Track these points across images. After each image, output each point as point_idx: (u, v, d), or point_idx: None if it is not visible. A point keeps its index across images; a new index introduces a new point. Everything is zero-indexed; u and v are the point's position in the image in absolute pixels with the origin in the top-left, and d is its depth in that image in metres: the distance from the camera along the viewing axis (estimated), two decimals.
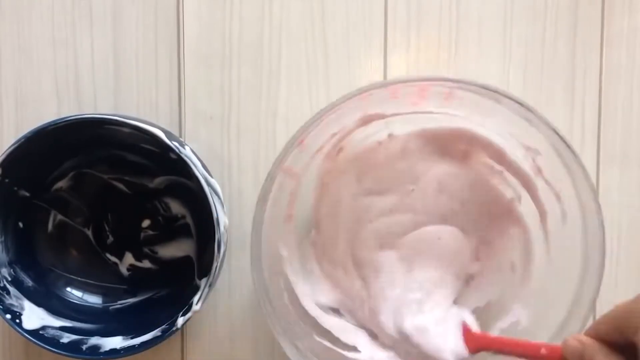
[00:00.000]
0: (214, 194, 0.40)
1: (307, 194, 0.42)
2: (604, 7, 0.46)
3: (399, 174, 0.42)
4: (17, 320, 0.41)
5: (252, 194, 0.46)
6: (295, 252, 0.42)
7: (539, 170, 0.38)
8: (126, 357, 0.41)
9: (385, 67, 0.47)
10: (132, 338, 0.41)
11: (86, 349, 0.41)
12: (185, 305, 0.40)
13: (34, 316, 0.42)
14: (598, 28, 0.47)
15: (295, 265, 0.42)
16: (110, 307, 0.46)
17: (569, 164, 0.35)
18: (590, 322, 0.31)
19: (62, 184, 0.45)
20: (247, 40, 0.46)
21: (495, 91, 0.35)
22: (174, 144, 0.39)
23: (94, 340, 0.42)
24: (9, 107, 0.47)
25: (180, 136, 0.47)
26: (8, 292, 0.42)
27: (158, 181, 0.46)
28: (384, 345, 0.41)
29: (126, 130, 0.40)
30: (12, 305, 0.41)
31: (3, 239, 0.42)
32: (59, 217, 0.46)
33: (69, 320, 0.43)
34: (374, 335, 0.42)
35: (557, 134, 0.35)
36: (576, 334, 0.29)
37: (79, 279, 0.46)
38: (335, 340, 0.40)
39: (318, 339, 0.40)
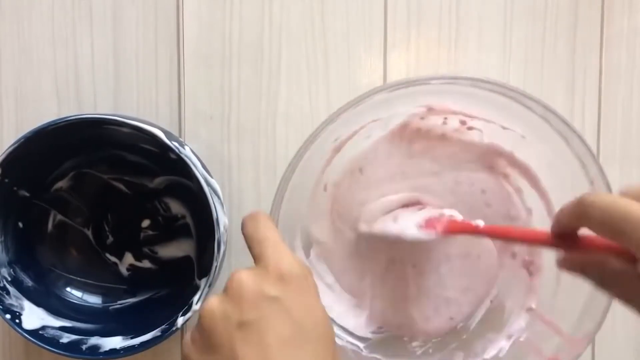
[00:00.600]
0: (213, 194, 0.40)
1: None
2: (604, 7, 0.46)
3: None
4: (17, 320, 0.41)
5: (252, 194, 0.46)
6: None
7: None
8: (126, 357, 0.40)
9: (385, 67, 0.47)
10: (131, 338, 0.41)
11: (86, 349, 0.41)
12: (185, 305, 0.40)
13: (33, 316, 0.42)
14: (598, 28, 0.47)
15: None
16: (110, 307, 0.46)
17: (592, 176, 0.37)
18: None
19: (62, 184, 0.45)
20: (247, 40, 0.46)
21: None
22: (173, 144, 0.39)
23: (94, 340, 0.42)
24: (9, 107, 0.47)
25: (180, 136, 0.46)
26: (8, 292, 0.42)
27: (158, 181, 0.46)
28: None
29: (126, 130, 0.40)
30: (11, 305, 0.41)
31: (3, 239, 0.42)
32: (59, 217, 0.46)
33: (68, 320, 0.43)
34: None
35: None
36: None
37: (79, 279, 0.46)
38: None
39: None
